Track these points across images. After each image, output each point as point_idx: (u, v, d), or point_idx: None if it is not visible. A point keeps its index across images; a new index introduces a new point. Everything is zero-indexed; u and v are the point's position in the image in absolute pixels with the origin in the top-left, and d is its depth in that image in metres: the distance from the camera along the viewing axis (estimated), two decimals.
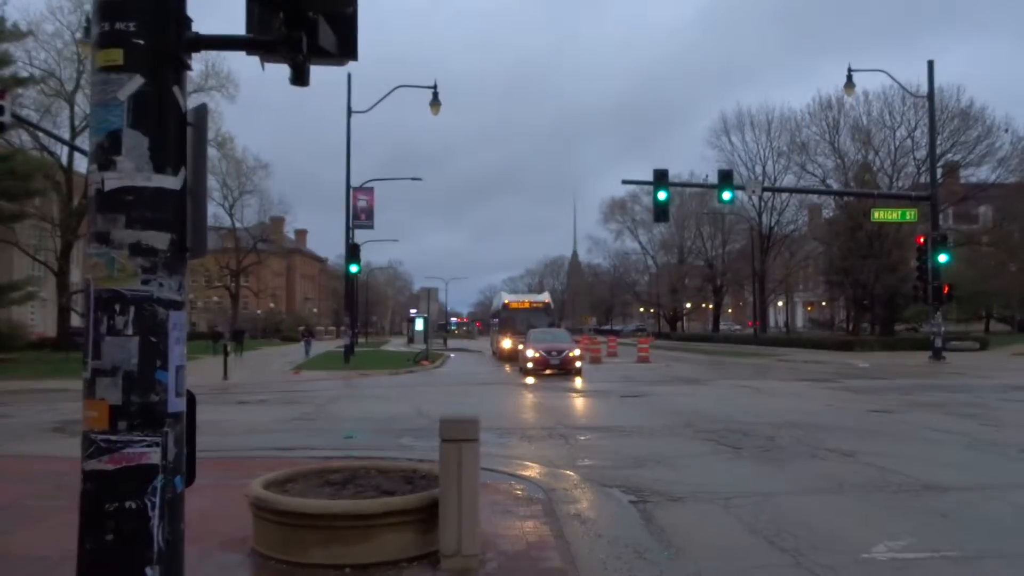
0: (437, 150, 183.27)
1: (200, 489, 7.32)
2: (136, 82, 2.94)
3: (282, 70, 3.35)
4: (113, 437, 2.89)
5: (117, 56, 2.95)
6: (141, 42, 2.95)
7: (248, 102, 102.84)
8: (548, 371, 25.87)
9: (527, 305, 39.63)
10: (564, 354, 26.19)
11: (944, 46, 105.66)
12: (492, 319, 48.28)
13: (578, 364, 26.17)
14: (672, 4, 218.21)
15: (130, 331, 2.91)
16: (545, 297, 42.27)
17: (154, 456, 2.92)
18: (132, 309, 2.92)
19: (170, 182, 3.01)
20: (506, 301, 40.76)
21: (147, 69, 2.97)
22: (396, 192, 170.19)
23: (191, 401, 3.17)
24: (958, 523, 6.65)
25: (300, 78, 3.22)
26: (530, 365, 26.19)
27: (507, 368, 31.45)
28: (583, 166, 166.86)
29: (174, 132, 3.04)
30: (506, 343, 35.99)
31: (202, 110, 3.17)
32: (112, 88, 2.96)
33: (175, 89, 3.05)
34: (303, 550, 5.31)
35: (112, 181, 2.94)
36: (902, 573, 5.40)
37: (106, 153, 2.96)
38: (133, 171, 2.93)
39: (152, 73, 2.98)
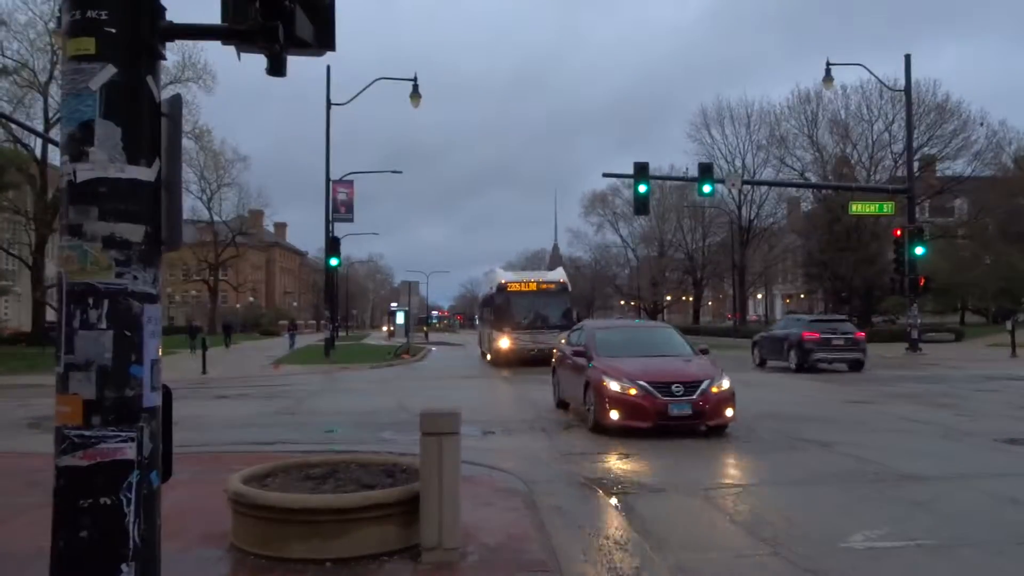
0: (437, 145, 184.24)
1: (178, 484, 7.26)
2: (108, 72, 2.89)
3: (261, 61, 3.30)
4: (87, 433, 2.84)
5: (89, 45, 2.90)
6: (113, 31, 2.90)
7: (228, 94, 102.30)
8: (663, 427, 10.96)
9: (533, 287, 28.35)
10: (703, 389, 11.19)
11: (940, 47, 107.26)
12: (482, 307, 35.68)
13: (730, 412, 11.33)
14: (676, 3, 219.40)
15: (104, 325, 2.87)
16: (560, 275, 29.90)
17: (129, 451, 2.88)
18: (106, 303, 2.88)
19: (144, 173, 2.96)
20: (503, 281, 28.57)
21: (120, 58, 2.92)
22: (386, 186, 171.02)
23: (167, 395, 3.13)
24: (934, 512, 6.74)
25: (277, 68, 3.18)
26: (616, 416, 11.07)
27: (505, 372, 24.63)
28: (577, 161, 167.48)
29: (148, 123, 2.99)
30: (504, 342, 26.62)
31: (176, 100, 3.12)
32: (84, 78, 2.90)
33: (149, 79, 3.00)
34: (283, 545, 5.28)
35: (84, 172, 2.89)
36: (878, 562, 5.46)
37: (78, 144, 2.90)
38: (106, 162, 2.88)
39: (125, 63, 2.92)
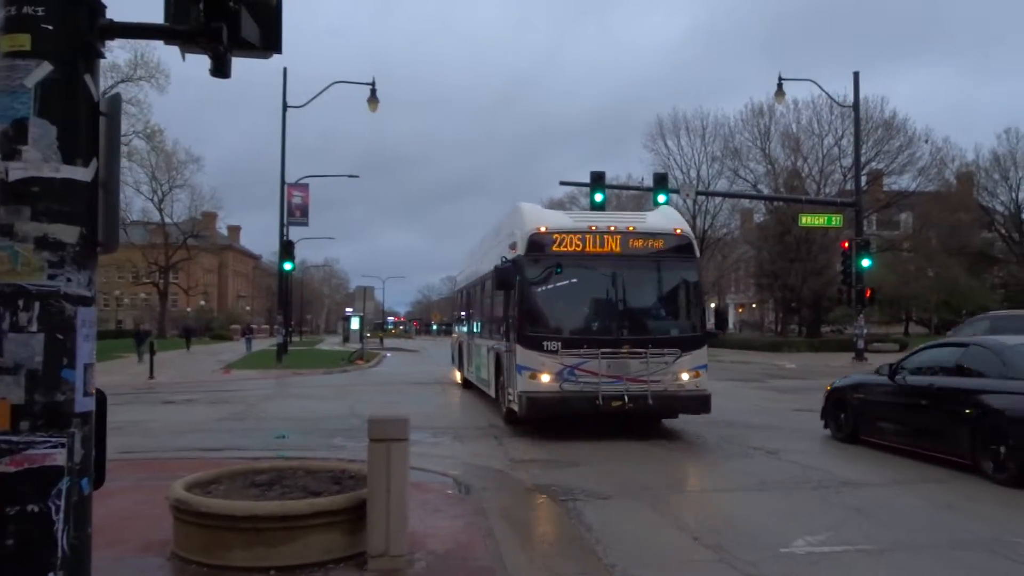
0: (414, 156, 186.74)
1: (120, 491, 7.12)
2: (44, 69, 2.83)
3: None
4: (14, 438, 2.77)
5: (24, 41, 2.84)
6: (50, 27, 2.84)
7: (204, 95, 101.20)
8: None
9: (615, 244, 12.13)
10: None
11: (905, 70, 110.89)
12: (474, 297, 18.78)
13: None
14: (661, 26, 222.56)
15: (34, 328, 2.80)
16: (672, 218, 13.30)
17: (59, 457, 2.81)
18: (37, 305, 2.81)
19: (80, 173, 2.90)
20: (543, 229, 12.10)
21: (57, 56, 2.86)
22: (355, 192, 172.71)
23: (101, 400, 3.06)
24: (872, 517, 6.91)
25: (221, 69, 3.15)
26: None
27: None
28: (550, 173, 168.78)
29: (85, 122, 2.94)
30: (545, 376, 11.39)
31: (115, 100, 3.06)
32: (18, 75, 2.84)
33: (87, 77, 2.94)
34: (226, 552, 5.20)
35: (16, 171, 2.82)
36: (817, 567, 5.58)
37: (11, 142, 2.84)
38: (39, 161, 2.82)
39: (62, 60, 2.87)
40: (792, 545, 6.05)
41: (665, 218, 13.29)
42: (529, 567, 5.49)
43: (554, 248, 11.91)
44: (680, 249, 12.35)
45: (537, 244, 11.94)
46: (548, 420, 11.74)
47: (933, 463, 9.19)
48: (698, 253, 12.81)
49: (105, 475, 3.14)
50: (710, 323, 12.47)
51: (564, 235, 12.00)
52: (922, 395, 9.66)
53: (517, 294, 12.07)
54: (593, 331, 11.95)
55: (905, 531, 6.46)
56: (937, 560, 5.72)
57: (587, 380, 11.30)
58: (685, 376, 11.58)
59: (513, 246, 12.59)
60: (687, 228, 12.77)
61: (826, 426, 11.67)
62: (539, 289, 12.03)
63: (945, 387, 9.36)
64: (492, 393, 14.54)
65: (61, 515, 2.79)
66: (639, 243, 12.16)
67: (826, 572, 5.50)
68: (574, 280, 12.19)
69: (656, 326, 12.25)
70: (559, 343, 11.53)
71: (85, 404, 2.92)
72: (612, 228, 12.17)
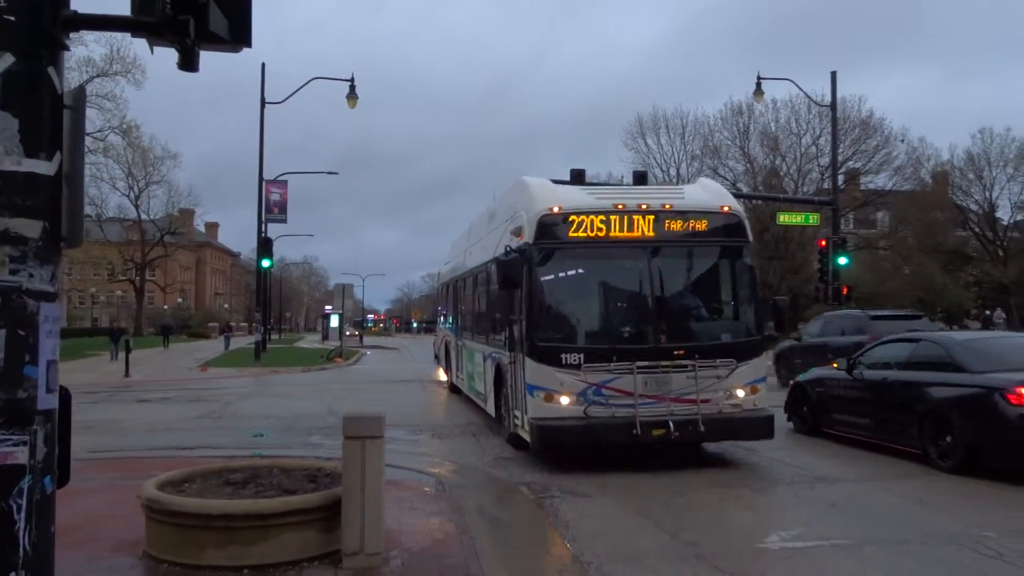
0: (401, 154, 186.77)
1: (92, 491, 7.05)
2: (5, 61, 2.78)
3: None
4: None
5: None
6: (12, 19, 2.80)
7: (162, 90, 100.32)
8: None
9: (647, 226, 9.61)
10: None
11: (884, 73, 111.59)
12: (464, 291, 15.83)
13: None
14: (644, 27, 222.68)
15: None
16: (715, 194, 10.68)
17: (21, 456, 2.76)
18: None
19: (43, 167, 2.86)
20: (556, 209, 9.51)
21: (19, 47, 2.81)
22: (337, 189, 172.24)
23: (65, 398, 3.02)
24: (845, 512, 6.98)
25: (189, 63, 3.11)
26: None
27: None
28: (538, 171, 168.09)
29: (48, 115, 2.89)
30: (564, 399, 9.01)
31: (80, 93, 3.02)
32: None
33: (50, 70, 2.90)
34: (199, 552, 5.16)
35: None
36: (791, 561, 5.63)
37: None
38: (1, 154, 2.76)
39: (24, 52, 2.82)
40: (767, 540, 6.10)
41: (708, 192, 10.64)
42: (505, 564, 5.49)
43: (571, 234, 9.43)
44: (729, 231, 9.95)
45: (550, 229, 9.47)
46: (563, 440, 9.11)
47: (904, 458, 9.31)
48: (751, 236, 10.23)
49: (70, 474, 3.10)
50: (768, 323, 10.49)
51: (584, 216, 9.46)
52: (876, 388, 10.13)
53: (525, 293, 9.49)
54: (625, 339, 9.43)
55: (877, 526, 6.53)
56: (907, 554, 5.79)
57: (619, 403, 8.96)
58: (741, 393, 9.41)
59: (518, 232, 10.04)
60: (736, 205, 10.31)
61: (789, 419, 12.05)
62: (554, 286, 9.66)
63: (897, 381, 9.79)
64: (491, 410, 12.06)
65: (23, 514, 2.75)
66: (678, 224, 9.72)
67: (800, 566, 5.55)
68: (598, 273, 9.84)
69: (704, 330, 9.94)
70: (581, 355, 9.06)
71: (48, 401, 2.88)
72: (644, 207, 9.63)
